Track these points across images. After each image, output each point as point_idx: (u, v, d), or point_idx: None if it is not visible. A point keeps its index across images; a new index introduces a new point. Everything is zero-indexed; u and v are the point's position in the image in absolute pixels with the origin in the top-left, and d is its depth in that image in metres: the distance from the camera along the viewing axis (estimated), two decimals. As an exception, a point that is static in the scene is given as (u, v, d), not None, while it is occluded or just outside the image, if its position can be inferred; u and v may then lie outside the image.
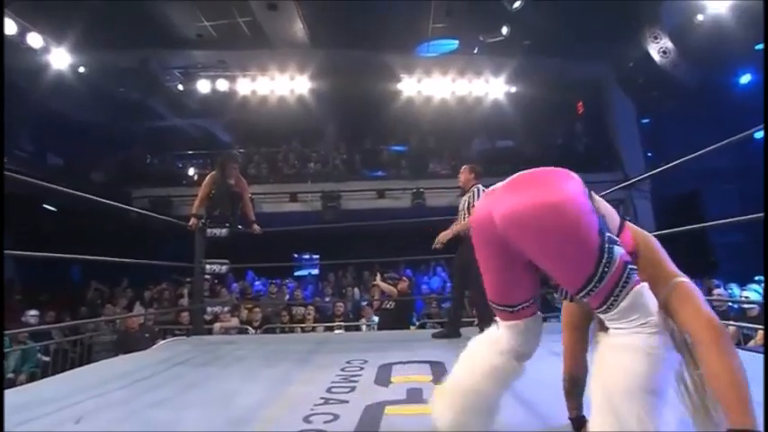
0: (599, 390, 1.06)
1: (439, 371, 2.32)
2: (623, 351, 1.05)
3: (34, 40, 7.31)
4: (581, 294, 1.12)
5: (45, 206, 7.66)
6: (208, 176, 4.37)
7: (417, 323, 6.66)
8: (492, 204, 1.21)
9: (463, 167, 3.77)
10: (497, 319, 1.32)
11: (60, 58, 7.80)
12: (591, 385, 1.09)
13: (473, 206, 3.44)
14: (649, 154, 9.61)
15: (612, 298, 1.09)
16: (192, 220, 4.22)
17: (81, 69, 8.14)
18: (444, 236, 3.55)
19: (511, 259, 1.21)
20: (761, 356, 1.87)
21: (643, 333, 1.06)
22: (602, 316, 1.13)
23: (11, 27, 6.92)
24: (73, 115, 9.14)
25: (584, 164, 9.13)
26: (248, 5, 7.84)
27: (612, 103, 9.65)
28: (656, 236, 1.30)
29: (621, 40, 7.74)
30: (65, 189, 2.93)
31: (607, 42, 7.87)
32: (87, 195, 3.08)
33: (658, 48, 7.26)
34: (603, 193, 4.20)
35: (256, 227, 4.47)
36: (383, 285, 5.43)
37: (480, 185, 3.60)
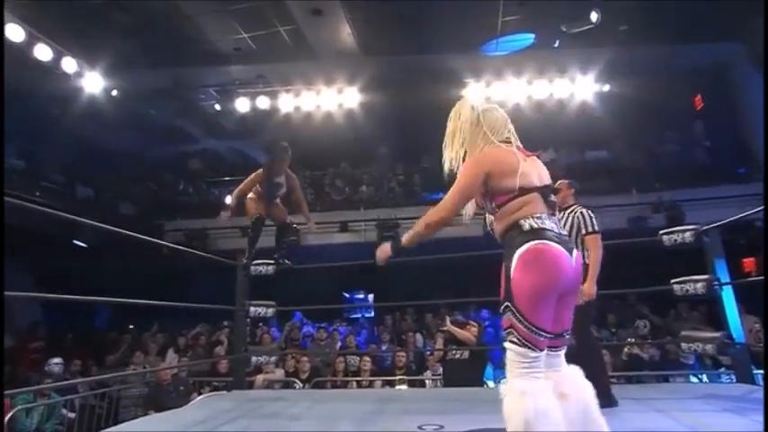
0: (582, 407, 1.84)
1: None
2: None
3: (69, 64, 7.99)
4: (567, 333, 1.94)
5: (75, 242, 8.17)
6: (253, 174, 4.47)
7: (497, 380, 6.28)
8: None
9: (559, 182, 3.59)
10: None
11: (94, 82, 8.46)
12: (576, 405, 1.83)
13: (588, 233, 3.33)
14: (806, 157, 8.60)
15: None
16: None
17: (114, 93, 8.77)
18: (592, 288, 3.26)
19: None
20: None
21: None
22: (559, 352, 1.92)
23: (46, 53, 7.63)
24: (103, 142, 9.85)
25: (708, 175, 8.40)
26: (290, 12, 8.13)
27: (747, 93, 8.81)
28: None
29: (757, 9, 7.06)
30: (92, 222, 3.01)
31: (736, 15, 7.26)
32: (117, 229, 3.15)
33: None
34: (743, 214, 3.69)
35: (312, 225, 4.60)
36: (457, 331, 5.15)
37: (586, 209, 3.46)
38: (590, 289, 3.23)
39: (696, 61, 9.03)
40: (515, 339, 1.80)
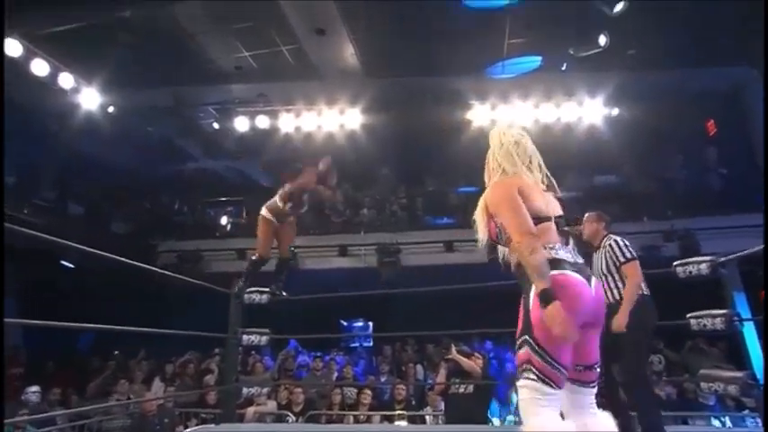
0: None
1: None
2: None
3: (65, 80, 8.01)
4: (597, 366, 1.88)
5: (63, 262, 8.06)
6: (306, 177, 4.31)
7: (502, 417, 6.10)
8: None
9: (587, 216, 3.58)
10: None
11: (90, 98, 8.46)
12: None
13: (622, 263, 3.27)
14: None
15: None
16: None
17: (110, 109, 8.78)
18: (622, 319, 3.16)
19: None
20: None
21: None
22: (591, 389, 1.86)
23: (43, 68, 7.68)
24: (98, 159, 9.80)
25: (722, 203, 8.34)
26: (292, 31, 8.19)
27: (761, 118, 8.59)
28: None
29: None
30: (79, 246, 2.93)
31: (745, 38, 7.33)
32: (105, 254, 3.07)
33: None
34: (763, 246, 3.54)
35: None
36: (463, 360, 4.99)
37: (616, 237, 3.39)
38: (621, 320, 3.12)
39: (707, 85, 9.05)
40: (532, 375, 1.74)
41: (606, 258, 3.35)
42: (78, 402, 6.21)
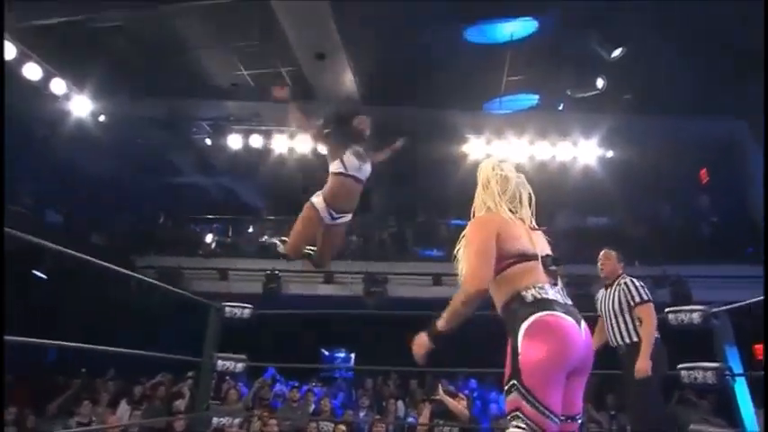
0: None
1: None
2: None
3: (57, 86, 7.92)
4: (579, 417, 1.82)
5: (34, 272, 7.80)
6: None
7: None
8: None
9: (605, 252, 3.56)
10: None
11: (81, 106, 8.36)
12: None
13: (637, 304, 3.24)
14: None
15: None
16: None
17: (101, 118, 8.68)
18: (645, 364, 3.10)
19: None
20: None
21: None
22: None
23: (36, 72, 7.59)
24: (83, 167, 9.63)
25: (713, 251, 8.42)
26: (293, 53, 8.23)
27: (753, 169, 8.92)
28: None
29: (757, 80, 7.36)
30: (52, 246, 2.79)
31: (741, 90, 7.53)
32: (81, 255, 2.94)
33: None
34: (757, 299, 3.40)
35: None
36: (450, 402, 4.83)
37: (632, 278, 3.39)
38: (644, 365, 3.06)
39: (700, 134, 9.21)
40: (522, 425, 1.65)
41: (620, 296, 3.32)
42: (35, 423, 5.90)
